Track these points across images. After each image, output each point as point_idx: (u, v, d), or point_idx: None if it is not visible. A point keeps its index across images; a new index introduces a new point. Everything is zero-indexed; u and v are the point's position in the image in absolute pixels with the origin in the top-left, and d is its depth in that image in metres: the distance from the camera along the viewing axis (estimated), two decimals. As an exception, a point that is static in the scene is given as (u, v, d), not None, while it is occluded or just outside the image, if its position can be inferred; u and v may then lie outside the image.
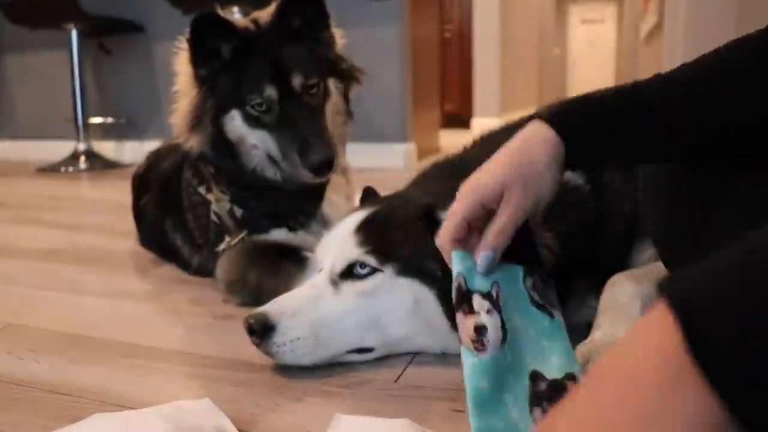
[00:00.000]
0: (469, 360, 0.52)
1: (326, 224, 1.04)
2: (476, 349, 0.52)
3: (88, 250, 1.40)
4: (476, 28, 4.39)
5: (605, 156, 0.57)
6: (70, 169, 2.94)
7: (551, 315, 0.57)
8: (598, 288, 0.77)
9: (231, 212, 1.07)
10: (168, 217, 1.19)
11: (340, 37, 1.08)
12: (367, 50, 2.39)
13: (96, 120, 3.14)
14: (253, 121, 1.00)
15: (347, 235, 0.74)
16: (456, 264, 0.56)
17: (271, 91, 0.98)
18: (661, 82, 0.55)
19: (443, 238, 0.56)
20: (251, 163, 1.04)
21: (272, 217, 1.06)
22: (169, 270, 1.20)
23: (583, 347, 0.69)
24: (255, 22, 1.03)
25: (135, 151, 3.02)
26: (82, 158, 2.99)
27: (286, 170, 1.01)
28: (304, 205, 1.07)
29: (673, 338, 0.26)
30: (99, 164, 3.00)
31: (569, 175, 0.81)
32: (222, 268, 1.04)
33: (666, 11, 1.82)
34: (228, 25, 0.98)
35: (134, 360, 0.79)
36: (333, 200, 1.10)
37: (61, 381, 0.73)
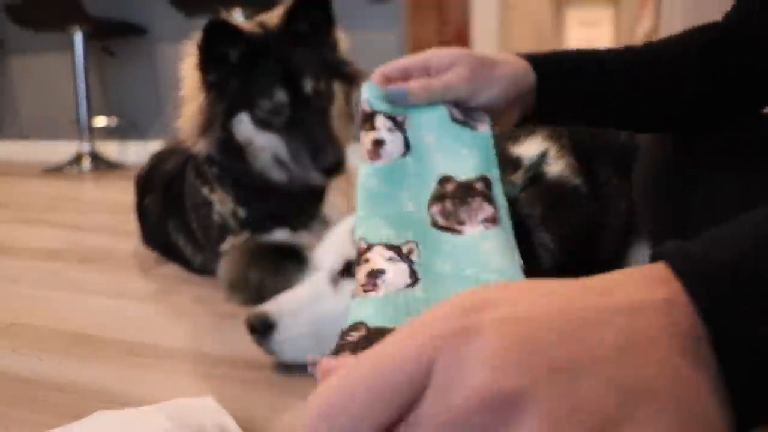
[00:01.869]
0: (363, 170, 0.49)
1: (327, 224, 1.05)
2: (371, 159, 0.49)
3: (92, 249, 1.41)
4: (475, 31, 4.40)
5: (572, 107, 0.56)
6: (74, 169, 2.95)
7: (474, 128, 0.51)
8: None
9: (234, 213, 1.08)
10: (171, 217, 1.20)
11: (343, 40, 1.09)
12: (366, 53, 2.39)
13: (99, 121, 3.16)
14: (262, 124, 1.01)
15: (347, 235, 0.75)
16: (366, 91, 0.53)
17: (281, 95, 0.99)
18: (626, 51, 0.57)
19: (376, 73, 0.53)
20: (258, 165, 1.05)
21: (275, 217, 1.07)
22: (172, 269, 1.21)
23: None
24: (262, 25, 1.04)
25: (138, 152, 3.03)
26: (86, 159, 3.00)
27: (295, 172, 1.02)
28: (306, 206, 1.08)
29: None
30: (102, 165, 3.02)
31: (567, 175, 0.82)
32: (224, 267, 1.05)
33: (662, 15, 1.83)
34: (237, 31, 0.98)
35: (137, 358, 0.79)
36: (334, 201, 1.12)
37: (64, 379, 0.73)
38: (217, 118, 1.01)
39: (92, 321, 0.93)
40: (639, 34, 3.54)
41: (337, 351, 0.35)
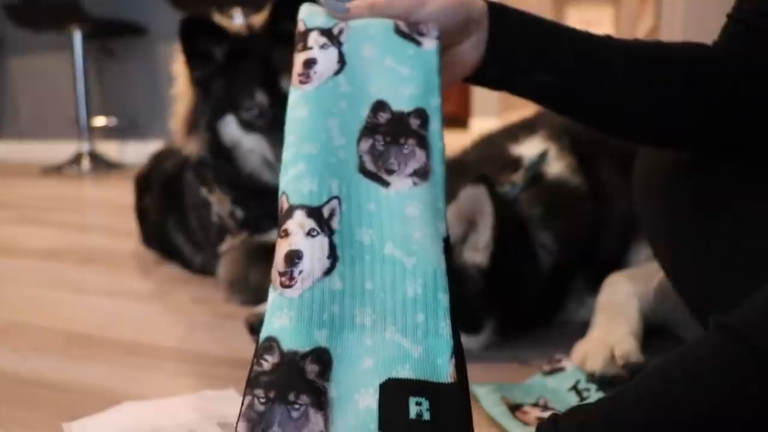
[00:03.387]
0: (291, 97, 0.45)
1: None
2: (300, 83, 0.44)
3: (91, 249, 1.41)
4: (477, 29, 4.40)
5: (523, 67, 0.50)
6: (74, 169, 2.95)
7: (419, 44, 0.46)
8: (595, 287, 0.78)
9: (232, 213, 1.08)
10: (170, 217, 1.20)
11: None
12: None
13: (99, 121, 3.16)
14: (247, 126, 1.01)
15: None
16: (303, 11, 0.49)
17: (261, 96, 0.99)
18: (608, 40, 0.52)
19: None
20: (248, 167, 1.04)
21: (273, 218, 1.06)
22: (172, 270, 1.21)
23: (580, 346, 0.69)
24: (249, 26, 1.04)
25: (138, 152, 3.03)
26: (86, 159, 3.00)
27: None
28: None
29: None
30: (102, 165, 3.02)
31: (567, 175, 0.82)
32: (224, 267, 1.05)
33: (662, 14, 1.83)
34: (219, 28, 0.98)
35: (137, 358, 0.79)
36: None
37: (64, 379, 0.73)
38: (203, 117, 1.01)
39: (91, 321, 0.93)
40: (639, 33, 3.54)
41: (251, 384, 0.35)
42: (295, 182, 0.42)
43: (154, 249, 1.29)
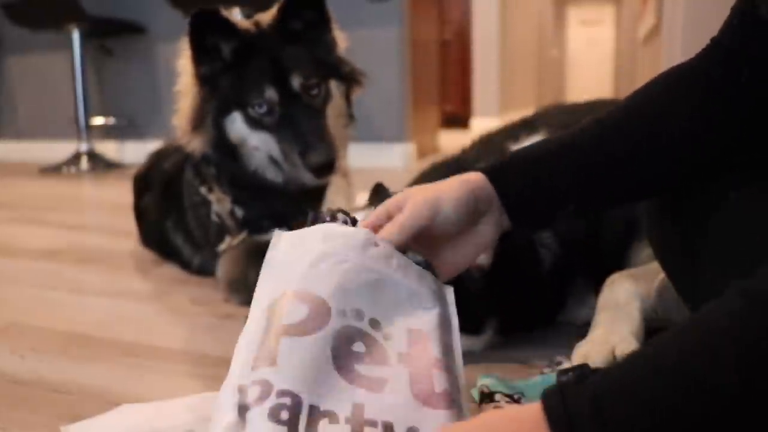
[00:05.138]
0: None
1: (326, 225, 1.05)
2: None
3: (90, 250, 1.40)
4: (475, 29, 4.41)
5: (549, 210, 0.57)
6: (72, 169, 2.94)
7: None
8: (597, 287, 0.78)
9: (232, 213, 1.07)
10: (169, 217, 1.20)
11: (341, 40, 1.08)
12: (366, 51, 2.39)
13: (98, 120, 3.15)
14: (254, 123, 1.00)
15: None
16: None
17: (271, 93, 0.98)
18: (595, 127, 0.56)
19: (365, 224, 0.55)
20: (252, 165, 1.04)
21: (273, 217, 1.06)
22: (170, 270, 1.21)
23: (581, 346, 0.69)
24: (256, 24, 1.03)
25: (136, 152, 3.02)
26: (84, 159, 2.99)
27: (288, 172, 1.02)
28: (304, 206, 1.08)
29: None
30: (101, 165, 3.01)
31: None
32: (223, 267, 1.05)
33: (664, 13, 1.83)
34: (228, 24, 0.98)
35: (135, 359, 0.79)
36: (333, 202, 1.11)
37: (63, 380, 0.73)
38: (209, 114, 1.01)
39: (90, 321, 0.93)
40: (641, 32, 3.55)
41: None
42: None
43: (153, 249, 1.28)
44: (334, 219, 0.53)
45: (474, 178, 0.55)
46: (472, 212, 0.54)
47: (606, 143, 0.55)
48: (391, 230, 0.52)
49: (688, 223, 0.57)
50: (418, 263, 0.51)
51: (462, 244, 0.55)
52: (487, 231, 0.56)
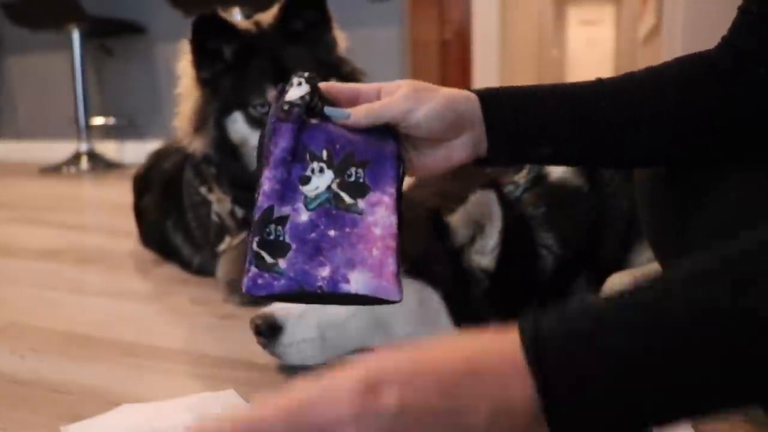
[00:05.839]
0: None
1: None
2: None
3: (90, 250, 1.40)
4: (475, 29, 4.40)
5: (527, 147, 0.55)
6: (72, 169, 2.94)
7: None
8: (597, 288, 0.78)
9: (232, 213, 1.07)
10: (169, 217, 1.20)
11: (342, 40, 1.08)
12: (367, 51, 2.39)
13: (98, 121, 3.15)
14: (255, 123, 1.01)
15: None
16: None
17: (272, 93, 0.98)
18: (597, 85, 0.56)
19: (326, 85, 0.54)
20: (253, 165, 1.04)
21: (273, 217, 1.06)
22: (170, 270, 1.21)
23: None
24: (257, 24, 1.03)
25: (136, 152, 3.02)
26: (84, 159, 2.99)
27: None
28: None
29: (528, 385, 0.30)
30: (101, 165, 3.01)
31: (569, 176, 0.81)
32: (223, 267, 1.05)
33: (664, 13, 1.83)
34: (229, 27, 0.98)
35: (135, 359, 0.79)
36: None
37: (62, 380, 0.73)
38: (211, 116, 1.01)
39: (90, 321, 0.93)
40: (641, 32, 3.55)
41: None
42: None
43: (153, 249, 1.28)
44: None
45: (465, 95, 0.54)
46: (447, 127, 0.53)
47: (603, 102, 0.54)
48: (360, 111, 0.52)
49: (682, 198, 0.57)
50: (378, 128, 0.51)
51: (433, 150, 0.54)
52: (462, 148, 0.54)
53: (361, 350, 0.74)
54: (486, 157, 0.55)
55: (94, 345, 0.84)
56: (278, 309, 0.72)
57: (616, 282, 0.76)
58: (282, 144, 0.50)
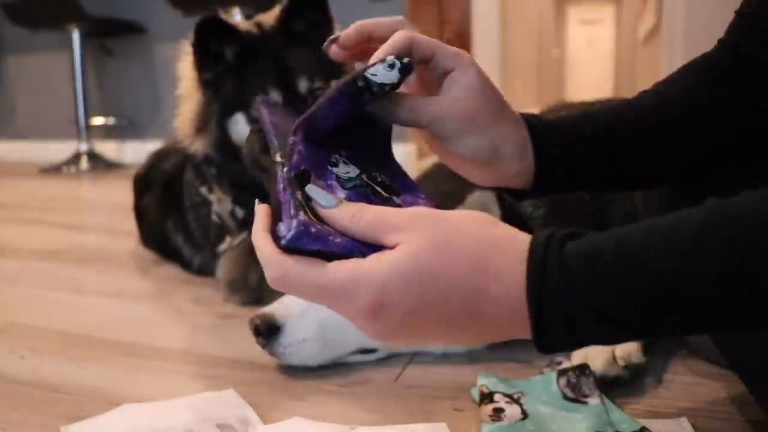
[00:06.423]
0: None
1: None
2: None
3: (90, 250, 1.40)
4: (475, 29, 4.40)
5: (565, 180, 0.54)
6: (72, 169, 2.94)
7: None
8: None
9: (233, 213, 1.07)
10: (169, 217, 1.20)
11: (343, 41, 1.08)
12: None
13: (98, 121, 3.15)
14: (257, 124, 1.00)
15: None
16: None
17: (275, 95, 0.98)
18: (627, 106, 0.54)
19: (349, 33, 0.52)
20: None
21: (273, 217, 1.06)
22: (170, 270, 1.21)
23: (581, 349, 0.69)
24: (258, 25, 1.03)
25: (136, 152, 3.03)
26: (84, 159, 3.00)
27: None
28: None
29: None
30: (100, 165, 3.01)
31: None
32: (223, 268, 1.05)
33: (664, 12, 1.83)
34: (231, 29, 0.98)
35: (135, 359, 0.79)
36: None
37: (62, 380, 0.73)
38: (213, 117, 1.01)
39: (90, 321, 0.93)
40: (641, 32, 3.55)
41: None
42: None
43: (153, 249, 1.28)
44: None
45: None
46: (491, 158, 0.50)
47: (625, 130, 0.53)
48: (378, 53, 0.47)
49: (683, 204, 0.57)
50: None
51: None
52: (508, 167, 0.51)
53: (361, 350, 0.74)
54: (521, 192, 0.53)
55: (94, 345, 0.84)
56: (278, 309, 0.72)
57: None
58: (334, 113, 0.43)
